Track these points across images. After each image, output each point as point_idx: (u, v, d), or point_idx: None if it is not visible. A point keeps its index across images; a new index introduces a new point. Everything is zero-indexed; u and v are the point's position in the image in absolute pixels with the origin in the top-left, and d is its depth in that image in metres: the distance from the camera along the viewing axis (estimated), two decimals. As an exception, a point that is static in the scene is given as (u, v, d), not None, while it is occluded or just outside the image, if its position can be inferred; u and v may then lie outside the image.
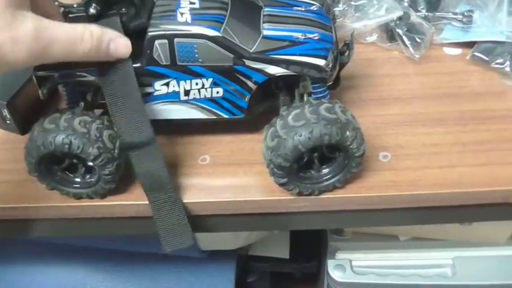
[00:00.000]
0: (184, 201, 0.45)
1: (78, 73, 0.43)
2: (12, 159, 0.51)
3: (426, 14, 0.57)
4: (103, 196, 0.46)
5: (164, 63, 0.42)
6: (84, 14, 0.42)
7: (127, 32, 0.41)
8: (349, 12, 0.57)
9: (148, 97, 0.44)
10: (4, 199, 0.47)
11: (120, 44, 0.41)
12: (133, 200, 0.46)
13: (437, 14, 0.57)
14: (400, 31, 0.55)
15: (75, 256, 0.74)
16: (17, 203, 0.47)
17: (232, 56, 0.41)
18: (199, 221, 0.47)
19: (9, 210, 0.48)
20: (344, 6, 0.58)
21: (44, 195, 0.47)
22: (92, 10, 0.42)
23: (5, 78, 0.52)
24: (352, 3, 0.57)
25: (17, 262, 0.73)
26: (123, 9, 0.42)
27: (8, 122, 0.52)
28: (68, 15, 0.43)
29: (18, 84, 0.51)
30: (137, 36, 0.42)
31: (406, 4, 0.57)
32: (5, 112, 0.51)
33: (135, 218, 0.47)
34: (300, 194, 0.44)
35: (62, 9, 0.43)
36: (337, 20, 0.54)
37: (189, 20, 0.41)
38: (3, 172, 0.50)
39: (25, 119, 0.53)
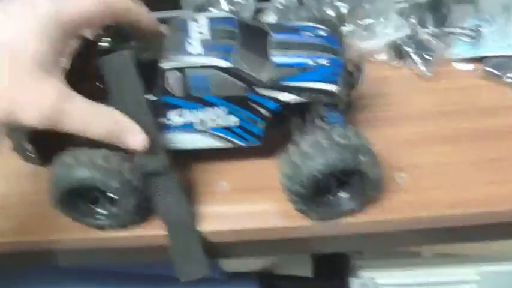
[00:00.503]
0: (202, 229, 0.46)
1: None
2: (34, 190, 0.52)
3: (434, 30, 0.57)
4: (125, 227, 0.47)
5: (177, 94, 0.43)
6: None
7: (139, 65, 0.42)
8: (357, 32, 0.58)
9: (163, 127, 0.45)
10: (27, 231, 0.48)
11: (137, 137, 0.41)
12: (153, 230, 0.46)
13: (445, 29, 0.57)
14: (408, 49, 0.55)
15: (95, 277, 0.75)
16: (40, 235, 0.48)
17: (244, 85, 0.42)
18: (217, 249, 0.47)
19: (32, 243, 0.48)
20: (351, 25, 0.58)
21: (67, 227, 0.47)
22: (104, 43, 0.43)
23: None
24: (360, 22, 0.58)
25: (37, 282, 0.75)
26: (134, 44, 0.44)
27: (29, 153, 0.53)
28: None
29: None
30: (148, 67, 0.43)
31: (413, 21, 0.58)
32: (26, 145, 0.52)
33: (155, 247, 0.48)
34: (319, 219, 0.44)
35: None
36: (345, 40, 0.54)
37: (200, 51, 0.42)
38: (27, 204, 0.51)
39: (46, 150, 0.54)
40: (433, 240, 0.50)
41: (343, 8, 0.58)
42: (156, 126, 0.43)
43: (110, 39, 0.43)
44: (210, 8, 0.62)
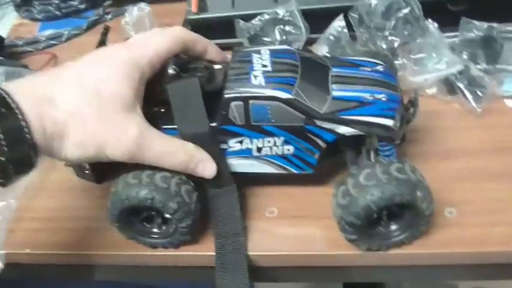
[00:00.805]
0: (250, 252, 0.47)
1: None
2: (89, 207, 0.54)
3: (486, 66, 0.57)
4: (177, 246, 0.48)
5: (239, 123, 0.45)
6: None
7: (203, 94, 0.44)
8: (409, 66, 0.59)
9: (222, 152, 0.47)
10: (77, 245, 0.51)
11: (208, 167, 0.45)
12: (205, 251, 0.48)
13: (498, 66, 0.58)
14: (461, 85, 0.56)
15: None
16: (89, 249, 0.50)
17: (303, 116, 0.44)
18: (262, 272, 0.48)
19: (80, 256, 0.51)
20: (403, 59, 0.59)
21: (116, 243, 0.50)
22: (170, 71, 0.45)
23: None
24: (412, 56, 0.59)
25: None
26: (199, 74, 0.46)
27: (86, 171, 0.55)
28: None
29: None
30: (211, 97, 0.45)
31: (465, 57, 0.58)
32: (85, 163, 0.55)
33: (204, 267, 0.49)
34: (368, 249, 0.45)
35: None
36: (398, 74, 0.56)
37: (263, 83, 0.44)
38: (81, 219, 0.53)
39: (101, 169, 0.57)
40: (480, 275, 0.50)
41: (396, 42, 0.59)
42: (219, 150, 0.46)
43: (175, 67, 0.45)
44: (264, 38, 0.64)
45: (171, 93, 0.44)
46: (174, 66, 0.45)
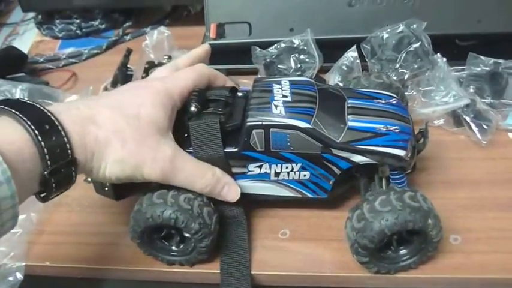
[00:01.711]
0: (259, 272, 0.49)
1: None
2: (108, 222, 0.56)
3: (492, 101, 0.60)
4: (193, 264, 0.51)
5: (259, 149, 0.47)
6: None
7: (223, 131, 0.47)
8: (417, 97, 0.62)
9: (241, 175, 0.49)
10: (97, 259, 0.53)
11: (232, 190, 0.48)
12: (218, 269, 0.50)
13: (503, 101, 0.60)
14: (467, 118, 0.58)
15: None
16: (114, 264, 0.52)
17: (320, 145, 0.46)
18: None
19: (100, 270, 0.53)
20: (412, 91, 0.62)
21: (137, 259, 0.52)
22: (193, 108, 0.48)
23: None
24: (420, 88, 0.62)
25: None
26: (220, 109, 0.48)
27: (106, 188, 0.58)
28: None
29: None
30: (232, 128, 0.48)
31: (471, 90, 0.61)
32: (106, 180, 0.57)
33: (217, 285, 0.51)
34: (377, 272, 0.47)
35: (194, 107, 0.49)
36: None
37: (283, 113, 0.46)
38: (100, 234, 0.55)
39: (120, 186, 0.59)
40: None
41: (406, 74, 0.62)
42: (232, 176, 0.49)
43: (197, 103, 0.48)
44: (279, 66, 0.67)
45: (192, 131, 0.47)
46: (196, 103, 0.48)
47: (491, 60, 0.62)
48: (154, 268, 0.52)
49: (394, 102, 0.50)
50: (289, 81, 0.50)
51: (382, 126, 0.47)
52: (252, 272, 0.49)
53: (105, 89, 0.69)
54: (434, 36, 0.63)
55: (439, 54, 0.63)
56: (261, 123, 0.46)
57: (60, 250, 0.54)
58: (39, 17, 0.90)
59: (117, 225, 0.55)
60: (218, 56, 0.74)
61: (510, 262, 0.47)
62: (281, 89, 0.49)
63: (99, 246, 0.54)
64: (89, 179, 0.59)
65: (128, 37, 0.87)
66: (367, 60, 0.65)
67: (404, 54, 0.63)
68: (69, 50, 0.85)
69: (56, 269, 0.53)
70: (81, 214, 0.58)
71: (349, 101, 0.50)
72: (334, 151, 0.46)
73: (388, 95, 0.51)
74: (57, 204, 0.58)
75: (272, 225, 0.53)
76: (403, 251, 0.47)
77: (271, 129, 0.46)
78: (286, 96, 0.48)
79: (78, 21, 0.88)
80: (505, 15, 0.67)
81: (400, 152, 0.46)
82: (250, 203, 0.53)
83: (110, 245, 0.54)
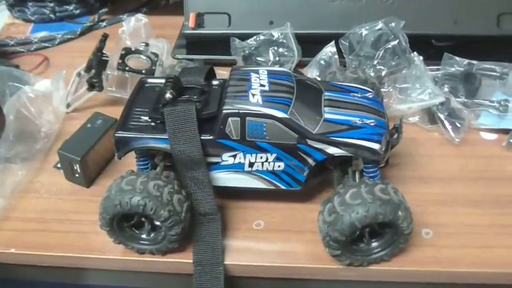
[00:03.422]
0: (232, 262, 0.49)
1: (153, 141, 0.48)
2: (77, 210, 0.55)
3: (465, 100, 0.61)
4: (164, 253, 0.50)
5: (234, 137, 0.47)
6: None
7: (199, 118, 0.46)
8: (394, 94, 0.62)
9: (215, 166, 0.49)
10: (67, 248, 0.51)
11: None
12: (190, 259, 0.49)
13: (476, 100, 0.62)
14: (441, 115, 0.59)
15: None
16: (81, 252, 0.51)
17: (296, 136, 0.46)
18: (245, 283, 0.51)
19: (72, 259, 0.51)
20: (389, 88, 0.63)
21: (107, 248, 0.51)
22: (168, 95, 0.47)
23: (78, 138, 0.57)
24: (397, 85, 0.62)
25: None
26: (195, 97, 0.48)
27: (77, 175, 0.57)
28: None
29: (90, 144, 0.56)
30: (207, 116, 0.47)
31: (446, 89, 0.62)
32: (77, 166, 0.56)
33: (189, 275, 0.50)
34: (349, 264, 0.47)
35: None
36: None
37: (260, 102, 0.46)
38: (69, 222, 0.54)
39: (92, 174, 0.58)
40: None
41: (383, 71, 0.63)
42: (208, 176, 0.48)
43: (172, 90, 0.47)
44: (258, 58, 0.66)
45: (167, 117, 0.46)
46: (171, 90, 0.47)
47: (466, 61, 0.64)
48: (124, 257, 0.51)
49: (370, 96, 0.50)
50: (267, 71, 0.50)
51: (358, 119, 0.47)
52: (226, 263, 0.49)
53: (79, 74, 0.68)
54: (411, 36, 0.64)
55: (415, 52, 0.63)
56: (237, 111, 0.46)
57: (26, 237, 0.52)
58: (11, -1, 0.88)
59: (86, 214, 0.54)
60: (196, 46, 0.74)
61: (480, 256, 0.48)
62: (259, 78, 0.48)
63: (66, 234, 0.53)
64: (59, 165, 0.58)
65: (104, 24, 0.85)
66: (345, 56, 0.66)
67: (382, 52, 0.64)
68: (42, 34, 0.82)
69: (21, 256, 0.51)
70: (50, 201, 0.56)
71: (326, 94, 0.50)
72: (310, 142, 0.46)
73: (364, 89, 0.51)
74: (24, 190, 0.57)
75: (246, 216, 0.53)
76: (375, 244, 0.47)
77: (247, 118, 0.45)
78: (263, 86, 0.48)
79: (52, 4, 0.85)
80: (479, 18, 0.68)
81: (375, 146, 0.46)
82: (225, 194, 0.52)
83: (78, 233, 0.52)
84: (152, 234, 0.49)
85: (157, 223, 0.47)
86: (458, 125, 0.59)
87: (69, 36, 0.82)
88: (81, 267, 0.53)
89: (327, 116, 0.48)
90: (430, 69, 0.64)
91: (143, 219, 0.48)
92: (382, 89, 0.61)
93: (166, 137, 0.47)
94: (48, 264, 0.52)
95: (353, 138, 0.46)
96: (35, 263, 0.52)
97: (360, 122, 0.47)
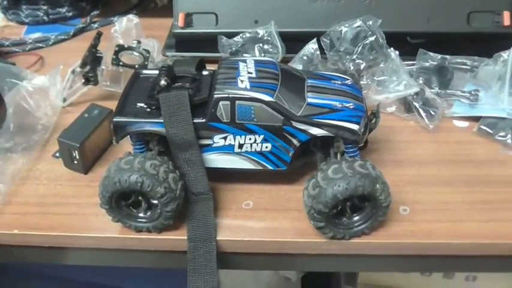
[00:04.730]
0: (222, 238, 0.52)
1: (149, 125, 0.51)
2: (76, 194, 0.58)
3: (438, 91, 0.66)
4: (160, 231, 0.53)
5: (225, 120, 0.50)
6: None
7: (192, 104, 0.50)
8: (372, 86, 0.66)
9: (207, 148, 0.52)
10: (68, 228, 0.54)
11: None
12: (185, 236, 0.52)
13: (448, 91, 0.66)
14: (416, 104, 0.64)
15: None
16: (81, 232, 0.54)
17: (282, 118, 0.50)
18: (232, 259, 0.54)
19: (72, 239, 0.54)
20: (368, 80, 0.67)
21: (105, 227, 0.54)
22: (163, 82, 0.51)
23: (76, 127, 0.60)
24: (375, 78, 0.67)
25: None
26: (187, 84, 0.51)
27: (75, 162, 0.60)
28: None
29: (88, 131, 0.59)
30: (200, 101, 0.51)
31: (421, 81, 0.67)
32: (75, 153, 0.59)
33: (184, 253, 0.53)
34: (333, 237, 0.51)
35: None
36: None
37: (248, 87, 0.50)
38: (68, 205, 0.57)
39: (89, 161, 0.61)
40: (428, 267, 0.57)
41: (362, 65, 0.67)
42: (200, 157, 0.51)
43: (166, 77, 0.51)
44: (244, 54, 0.70)
45: (162, 103, 0.50)
46: (165, 77, 0.51)
47: (439, 56, 0.68)
48: (122, 235, 0.53)
49: (349, 83, 0.55)
50: (254, 60, 0.54)
51: (338, 103, 0.52)
52: (218, 239, 0.52)
53: (73, 72, 0.71)
54: (388, 33, 0.68)
55: (392, 48, 0.68)
56: (227, 95, 0.49)
57: (28, 220, 0.55)
58: (5, 2, 0.91)
59: (85, 198, 0.57)
60: (185, 44, 0.78)
61: (452, 229, 0.52)
62: (246, 66, 0.52)
63: (66, 215, 0.55)
64: (57, 154, 0.61)
65: (95, 25, 0.88)
66: (326, 52, 0.70)
67: (360, 47, 0.68)
68: (36, 35, 0.85)
69: (24, 237, 0.54)
70: (49, 186, 0.59)
71: (309, 81, 0.54)
72: (294, 124, 0.50)
73: (343, 77, 0.56)
74: (24, 177, 0.60)
75: (236, 197, 0.56)
76: (356, 218, 0.51)
77: (236, 102, 0.49)
78: (251, 73, 0.51)
79: (45, 7, 0.89)
80: (451, 16, 0.73)
81: (354, 126, 0.50)
82: (216, 177, 0.56)
83: (77, 215, 0.55)
84: (149, 213, 0.52)
85: (154, 201, 0.51)
86: (432, 113, 0.63)
87: (62, 37, 0.85)
88: (82, 246, 0.56)
89: (309, 100, 0.52)
90: (406, 65, 0.68)
91: (140, 197, 0.51)
92: (361, 82, 0.65)
93: (161, 121, 0.50)
94: (50, 245, 0.55)
95: (334, 119, 0.50)
96: (37, 244, 0.55)
97: (340, 106, 0.51)
